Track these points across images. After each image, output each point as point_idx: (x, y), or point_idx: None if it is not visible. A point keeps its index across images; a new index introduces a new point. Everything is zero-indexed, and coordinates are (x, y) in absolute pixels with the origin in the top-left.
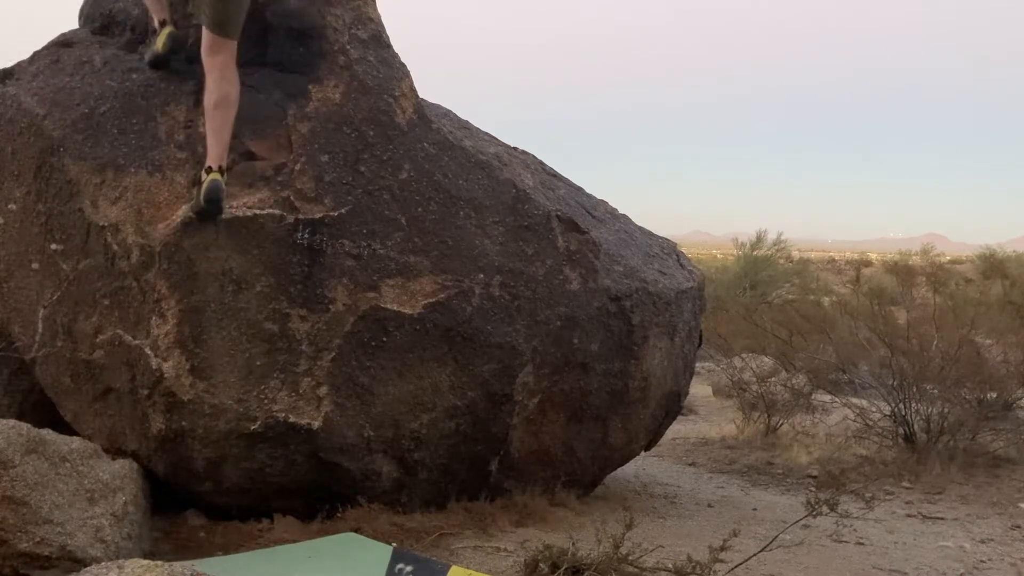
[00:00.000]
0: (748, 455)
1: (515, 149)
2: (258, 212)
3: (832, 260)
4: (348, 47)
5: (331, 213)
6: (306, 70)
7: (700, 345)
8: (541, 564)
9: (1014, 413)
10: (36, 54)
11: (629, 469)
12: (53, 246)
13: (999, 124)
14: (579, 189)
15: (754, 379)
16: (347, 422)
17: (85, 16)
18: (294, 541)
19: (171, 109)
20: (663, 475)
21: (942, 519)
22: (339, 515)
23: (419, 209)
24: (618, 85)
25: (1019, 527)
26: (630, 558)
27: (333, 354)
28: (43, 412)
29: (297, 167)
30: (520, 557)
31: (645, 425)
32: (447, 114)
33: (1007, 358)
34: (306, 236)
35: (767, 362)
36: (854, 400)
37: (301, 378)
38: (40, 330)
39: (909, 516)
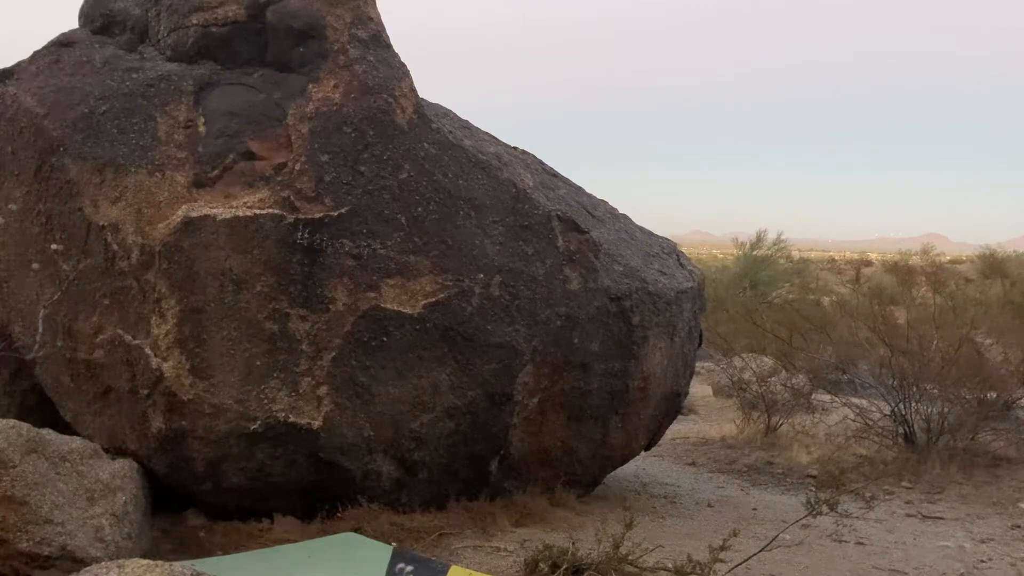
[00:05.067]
0: (748, 455)
1: (515, 149)
2: (258, 212)
3: (832, 260)
4: (348, 47)
5: (331, 213)
6: (306, 70)
7: (700, 345)
8: (541, 564)
9: (1014, 413)
10: (36, 54)
11: (629, 469)
12: (53, 246)
13: (1000, 123)
14: (579, 189)
15: (754, 379)
16: (347, 422)
17: (85, 16)
18: (294, 541)
19: (171, 109)
20: (663, 475)
21: (942, 519)
22: (339, 515)
23: (419, 209)
24: (617, 83)
25: (1019, 527)
26: (630, 558)
27: (333, 354)
28: (43, 412)
29: (297, 167)
30: (520, 557)
31: (645, 425)
32: (447, 114)
33: (1007, 358)
34: (306, 236)
35: (767, 362)
36: (854, 400)
37: (301, 378)
38: (40, 330)
39: (909, 516)
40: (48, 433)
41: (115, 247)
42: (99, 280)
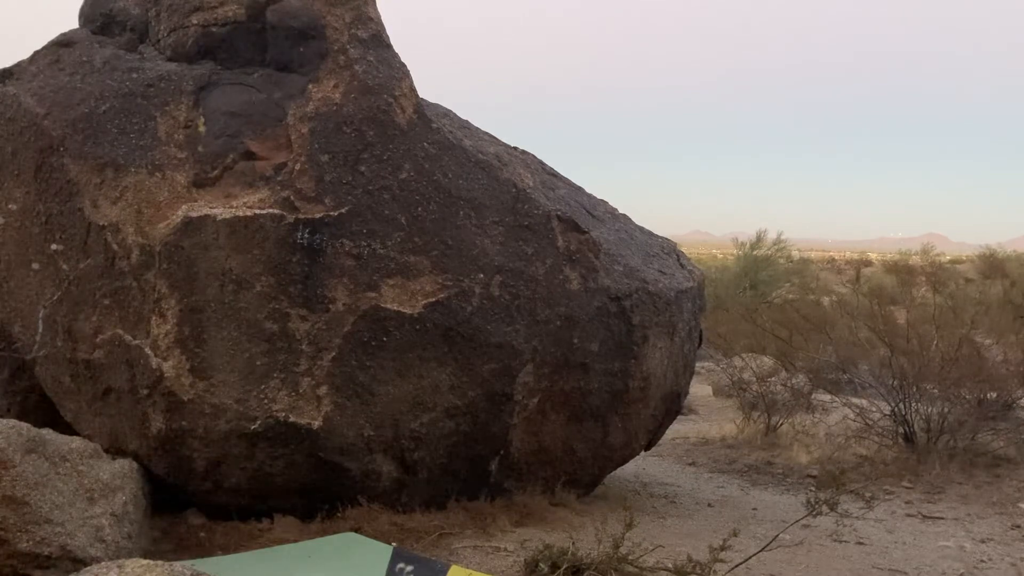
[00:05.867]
0: (748, 455)
1: (515, 149)
2: (258, 212)
3: (832, 260)
4: (348, 47)
5: (331, 213)
6: (306, 70)
7: (700, 345)
8: (541, 564)
9: (1014, 413)
10: (36, 54)
11: (629, 469)
12: (53, 246)
13: (1000, 124)
14: (579, 189)
15: (754, 379)
16: (347, 422)
17: (85, 16)
18: (294, 541)
19: (171, 109)
20: (663, 475)
21: (942, 519)
22: (339, 515)
23: (419, 209)
24: (617, 83)
25: (1019, 527)
26: (630, 558)
27: (333, 354)
28: (43, 412)
29: (297, 167)
30: (520, 557)
31: (645, 425)
32: (447, 114)
33: (1007, 358)
34: (306, 236)
35: (767, 362)
36: (854, 400)
37: (301, 378)
38: (40, 330)
39: (909, 516)
40: (48, 433)
41: (115, 247)
42: (99, 280)
